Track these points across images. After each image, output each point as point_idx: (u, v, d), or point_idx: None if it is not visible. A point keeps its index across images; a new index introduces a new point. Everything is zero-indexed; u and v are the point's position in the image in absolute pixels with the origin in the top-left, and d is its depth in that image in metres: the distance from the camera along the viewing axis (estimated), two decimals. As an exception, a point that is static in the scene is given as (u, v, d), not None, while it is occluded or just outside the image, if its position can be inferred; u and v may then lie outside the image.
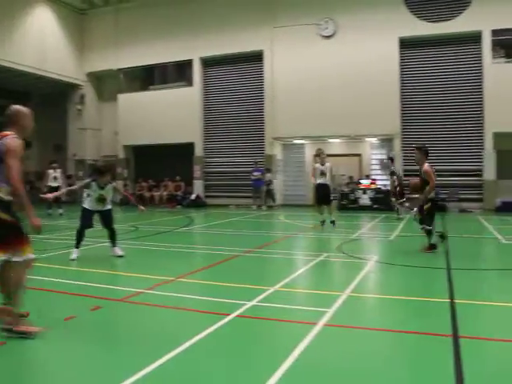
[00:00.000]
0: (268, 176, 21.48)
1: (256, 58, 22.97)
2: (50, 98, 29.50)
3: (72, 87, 26.99)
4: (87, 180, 8.99)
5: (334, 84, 20.97)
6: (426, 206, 8.95)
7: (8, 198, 4.35)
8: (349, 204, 19.90)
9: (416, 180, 9.58)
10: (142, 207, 9.33)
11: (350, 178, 21.02)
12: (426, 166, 8.97)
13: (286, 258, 9.03)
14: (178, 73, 25.43)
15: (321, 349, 4.17)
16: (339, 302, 5.54)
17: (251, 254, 9.13)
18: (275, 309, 5.44)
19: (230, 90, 23.90)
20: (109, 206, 8.76)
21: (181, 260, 8.85)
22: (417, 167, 9.48)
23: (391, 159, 17.13)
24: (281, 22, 22.05)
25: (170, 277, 6.93)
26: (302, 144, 23.15)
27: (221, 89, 24.12)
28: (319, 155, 13.39)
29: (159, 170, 24.66)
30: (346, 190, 20.33)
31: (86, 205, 8.59)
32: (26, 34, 23.44)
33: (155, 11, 24.71)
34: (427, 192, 8.83)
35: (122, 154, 26.08)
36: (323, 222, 13.10)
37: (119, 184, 21.44)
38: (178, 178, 24.20)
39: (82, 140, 27.12)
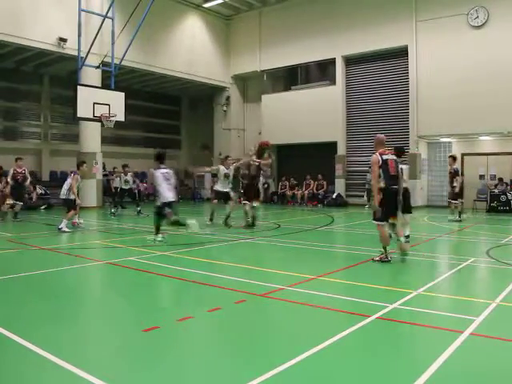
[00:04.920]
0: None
1: (400, 53, 22.26)
2: (198, 101, 31.39)
3: (218, 89, 28.38)
4: None
5: (485, 77, 19.48)
6: None
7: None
8: (500, 206, 18.80)
9: None
10: None
11: (500, 179, 19.63)
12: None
13: (429, 261, 8.72)
14: (321, 72, 25.51)
15: (466, 358, 3.99)
16: (488, 310, 5.25)
17: (393, 256, 8.93)
18: (418, 313, 5.31)
19: (373, 87, 23.41)
20: None
21: (322, 259, 8.93)
22: None
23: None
24: (425, 16, 21.13)
25: (311, 275, 7.04)
26: (449, 142, 22.05)
27: (364, 87, 23.73)
28: None
29: (302, 168, 24.93)
30: (496, 191, 19.17)
31: None
32: (178, 43, 25.18)
33: (297, 12, 25.02)
34: None
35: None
36: None
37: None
38: (320, 176, 24.30)
39: (227, 139, 28.37)
